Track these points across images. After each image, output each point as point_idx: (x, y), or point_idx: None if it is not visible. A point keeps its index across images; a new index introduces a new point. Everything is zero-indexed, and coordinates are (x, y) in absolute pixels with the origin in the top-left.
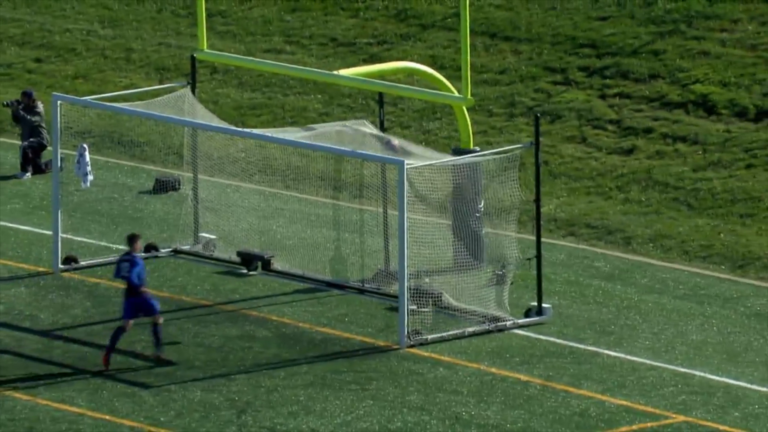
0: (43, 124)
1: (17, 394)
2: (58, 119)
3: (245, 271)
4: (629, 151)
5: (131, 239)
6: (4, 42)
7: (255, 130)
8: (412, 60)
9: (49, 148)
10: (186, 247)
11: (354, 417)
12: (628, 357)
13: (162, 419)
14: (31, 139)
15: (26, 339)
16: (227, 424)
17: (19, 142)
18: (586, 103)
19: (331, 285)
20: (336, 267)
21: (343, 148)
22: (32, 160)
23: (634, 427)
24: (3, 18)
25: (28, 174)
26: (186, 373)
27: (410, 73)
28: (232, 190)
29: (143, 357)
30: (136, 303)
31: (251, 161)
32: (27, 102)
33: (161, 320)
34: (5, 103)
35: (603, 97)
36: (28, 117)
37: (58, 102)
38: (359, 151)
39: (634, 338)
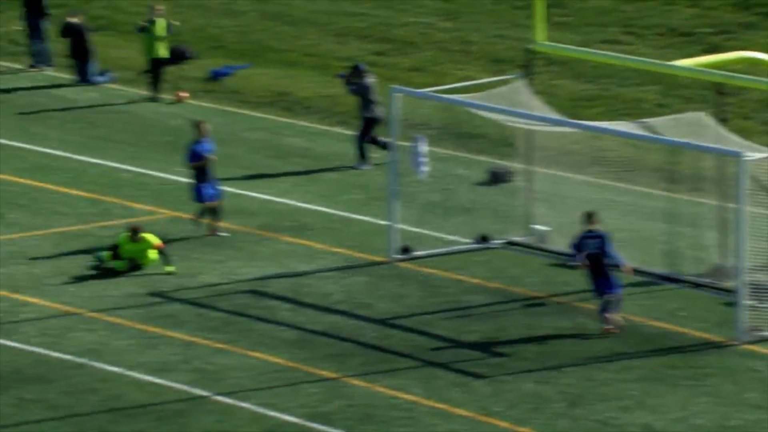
0: (373, 98)
1: (355, 381)
2: (396, 111)
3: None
4: None
5: (590, 216)
6: (347, 35)
7: (589, 122)
8: (755, 50)
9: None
10: (519, 239)
11: (689, 413)
12: None
13: (495, 409)
14: (366, 114)
15: (364, 327)
16: (559, 416)
17: (358, 134)
18: None
19: (665, 278)
20: (670, 260)
21: (677, 139)
22: (368, 134)
23: None
24: (347, 12)
25: (367, 165)
26: (518, 364)
27: (751, 63)
28: (564, 181)
29: (476, 347)
30: (602, 282)
31: (584, 153)
32: (356, 75)
33: (618, 299)
34: (338, 74)
35: None
36: (357, 89)
37: (397, 94)
38: (694, 143)
39: None
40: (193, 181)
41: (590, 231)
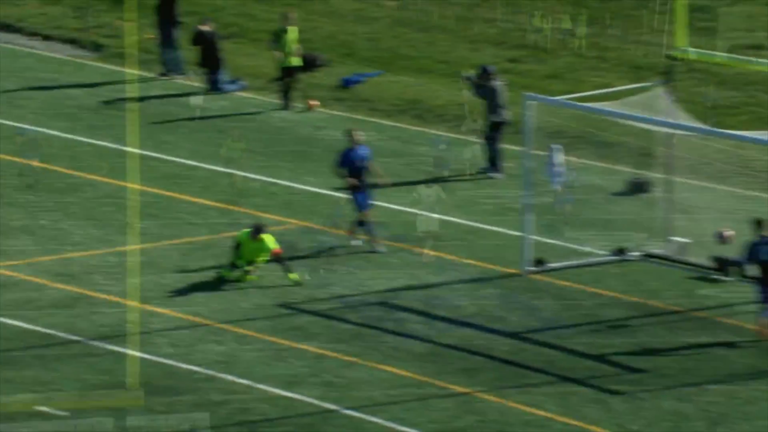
0: (500, 101)
1: (487, 396)
2: (530, 119)
3: (720, 276)
4: None
5: (759, 222)
6: (481, 42)
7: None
8: None
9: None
10: (657, 251)
11: None
12: None
13: (632, 428)
14: (493, 119)
15: (496, 340)
16: None
17: (488, 142)
18: None
19: None
20: None
21: None
22: (496, 139)
23: None
24: (481, 18)
25: (499, 173)
26: (657, 381)
27: None
28: (706, 192)
29: (612, 363)
30: None
31: (728, 163)
32: (484, 78)
33: None
34: (465, 76)
35: None
36: (483, 93)
37: (530, 102)
38: None
39: None
40: (348, 191)
41: (763, 237)
